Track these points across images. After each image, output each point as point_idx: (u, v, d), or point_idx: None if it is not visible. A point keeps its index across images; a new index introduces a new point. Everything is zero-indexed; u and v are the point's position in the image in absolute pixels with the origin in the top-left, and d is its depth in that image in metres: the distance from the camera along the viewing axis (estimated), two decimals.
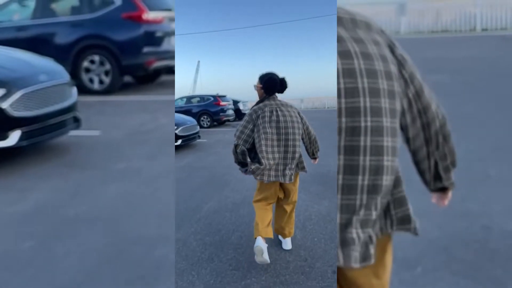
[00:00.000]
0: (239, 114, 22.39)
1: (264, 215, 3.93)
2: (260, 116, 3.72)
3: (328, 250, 4.27)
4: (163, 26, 10.08)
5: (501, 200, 4.45)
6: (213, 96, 20.03)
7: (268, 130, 3.64)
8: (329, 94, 42.23)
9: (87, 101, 9.32)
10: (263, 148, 3.62)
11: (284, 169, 3.72)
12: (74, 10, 9.98)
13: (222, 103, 19.76)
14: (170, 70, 11.51)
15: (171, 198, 4.74)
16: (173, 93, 10.23)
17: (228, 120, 20.89)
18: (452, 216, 4.16)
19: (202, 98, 20.32)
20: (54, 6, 10.12)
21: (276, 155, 3.68)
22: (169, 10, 10.40)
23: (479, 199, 4.51)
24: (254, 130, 3.70)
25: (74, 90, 6.33)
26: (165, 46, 10.12)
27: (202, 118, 19.29)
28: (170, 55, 10.31)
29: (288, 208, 4.14)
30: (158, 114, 8.23)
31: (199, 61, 43.52)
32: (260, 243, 3.70)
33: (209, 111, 19.59)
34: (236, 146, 3.79)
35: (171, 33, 10.32)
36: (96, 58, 9.81)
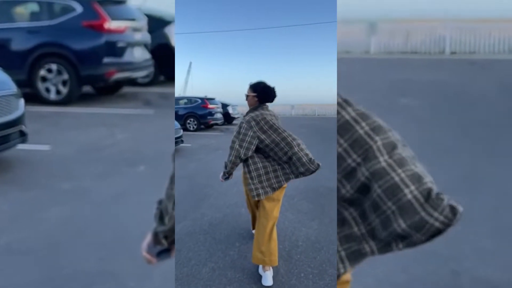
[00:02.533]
0: (228, 118, 21.83)
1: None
2: (264, 122, 3.59)
3: None
4: (125, 36, 9.71)
5: (470, 240, 4.17)
6: (201, 99, 19.29)
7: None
8: (320, 102, 42.33)
9: (41, 111, 8.88)
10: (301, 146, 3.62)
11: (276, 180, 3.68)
12: (33, 16, 9.53)
13: (210, 106, 18.95)
14: (132, 82, 11.14)
15: (121, 225, 4.34)
16: (137, 107, 9.80)
17: (217, 124, 20.13)
18: (420, 258, 3.86)
19: (190, 100, 19.60)
20: (12, 11, 9.63)
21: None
22: (133, 19, 10.03)
23: (446, 238, 4.21)
24: (256, 137, 3.55)
25: (21, 101, 5.88)
26: (127, 57, 9.74)
27: (188, 121, 18.58)
28: (132, 66, 9.93)
29: (268, 224, 3.70)
30: (115, 129, 7.82)
31: (191, 62, 42.70)
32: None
33: (196, 114, 18.82)
34: (241, 159, 3.62)
35: (134, 44, 9.95)
36: (54, 67, 9.38)
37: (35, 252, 3.81)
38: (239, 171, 3.97)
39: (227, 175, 3.85)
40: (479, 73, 12.85)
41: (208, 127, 19.57)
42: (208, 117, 19.03)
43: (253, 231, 4.35)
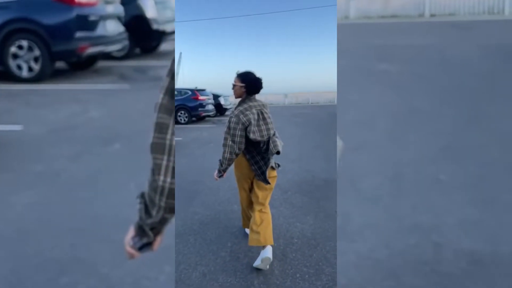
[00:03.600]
0: (220, 109, 21.15)
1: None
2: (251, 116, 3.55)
3: None
4: (97, 9, 9.40)
5: (452, 210, 4.04)
6: (191, 90, 18.58)
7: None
8: (313, 90, 42.25)
9: (13, 90, 8.62)
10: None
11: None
12: None
13: (200, 97, 18.19)
14: (108, 56, 10.85)
15: (93, 208, 4.20)
16: (112, 81, 9.55)
17: (209, 116, 19.46)
18: (402, 231, 3.76)
19: (179, 92, 18.89)
20: None
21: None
22: None
23: (430, 209, 4.09)
24: (247, 129, 3.53)
25: None
26: (100, 31, 9.45)
27: (179, 114, 17.92)
28: (106, 40, 9.64)
29: (260, 208, 3.77)
30: (89, 105, 7.60)
31: (181, 53, 41.46)
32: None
33: (186, 106, 17.99)
34: (236, 154, 3.57)
35: (107, 17, 9.65)
36: (24, 43, 9.05)
37: (2, 240, 3.66)
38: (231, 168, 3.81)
39: (222, 172, 3.75)
40: (459, 35, 12.69)
41: (200, 119, 18.86)
42: (199, 109, 18.29)
43: (246, 230, 4.20)
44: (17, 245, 3.60)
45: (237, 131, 3.51)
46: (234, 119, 3.54)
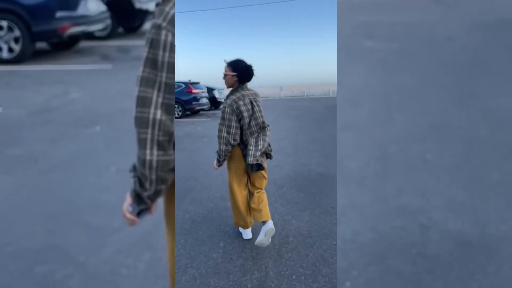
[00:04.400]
0: (214, 103, 20.87)
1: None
2: (242, 106, 3.55)
3: None
4: None
5: (439, 191, 3.94)
6: (185, 83, 18.22)
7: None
8: (309, 82, 42.14)
9: None
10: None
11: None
12: None
13: (194, 90, 17.86)
14: (90, 36, 10.63)
15: (70, 193, 4.07)
16: (95, 62, 9.34)
17: (203, 110, 19.16)
18: (388, 213, 3.65)
19: None
20: None
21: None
22: None
23: (416, 190, 3.97)
24: (240, 120, 3.56)
25: None
26: (81, 10, 9.24)
27: None
28: (87, 20, 9.42)
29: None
30: (71, 86, 7.42)
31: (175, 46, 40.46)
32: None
33: (180, 99, 17.72)
34: (232, 145, 3.59)
35: None
36: (4, 23, 8.83)
37: None
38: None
39: (222, 162, 3.71)
40: (446, 12, 12.52)
41: (194, 113, 18.61)
42: (193, 103, 17.97)
43: (240, 229, 4.15)
44: None
45: (232, 122, 3.49)
46: (228, 109, 3.52)
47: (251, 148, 3.60)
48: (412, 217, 3.60)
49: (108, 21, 10.31)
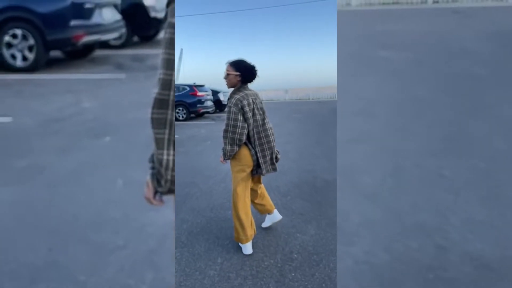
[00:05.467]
0: (219, 106, 20.51)
1: None
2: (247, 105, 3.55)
3: None
4: None
5: (457, 209, 3.76)
6: (189, 86, 18.08)
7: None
8: (314, 85, 42.12)
9: (7, 80, 8.40)
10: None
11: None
12: None
13: (199, 93, 17.71)
14: (105, 45, 10.60)
15: (73, 209, 3.96)
16: (109, 71, 9.29)
17: (208, 112, 19.02)
18: (403, 232, 3.48)
19: (177, 88, 18.33)
20: None
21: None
22: None
23: (432, 207, 3.79)
24: (246, 120, 3.55)
25: None
26: (95, 19, 9.18)
27: (177, 110, 17.37)
28: (102, 28, 9.38)
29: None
30: (83, 96, 7.36)
31: (182, 49, 40.16)
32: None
33: (184, 102, 17.58)
34: (238, 145, 3.55)
35: (103, 4, 9.36)
36: (19, 32, 8.80)
37: None
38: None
39: (228, 157, 3.68)
40: (463, 22, 12.30)
41: (199, 116, 18.54)
42: (198, 105, 17.81)
43: (240, 244, 3.83)
44: None
45: (238, 122, 3.46)
46: (234, 108, 3.48)
47: (260, 161, 3.62)
48: (428, 237, 3.42)
49: (123, 30, 10.28)
